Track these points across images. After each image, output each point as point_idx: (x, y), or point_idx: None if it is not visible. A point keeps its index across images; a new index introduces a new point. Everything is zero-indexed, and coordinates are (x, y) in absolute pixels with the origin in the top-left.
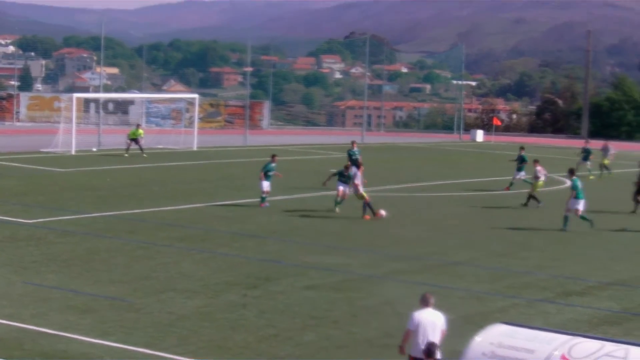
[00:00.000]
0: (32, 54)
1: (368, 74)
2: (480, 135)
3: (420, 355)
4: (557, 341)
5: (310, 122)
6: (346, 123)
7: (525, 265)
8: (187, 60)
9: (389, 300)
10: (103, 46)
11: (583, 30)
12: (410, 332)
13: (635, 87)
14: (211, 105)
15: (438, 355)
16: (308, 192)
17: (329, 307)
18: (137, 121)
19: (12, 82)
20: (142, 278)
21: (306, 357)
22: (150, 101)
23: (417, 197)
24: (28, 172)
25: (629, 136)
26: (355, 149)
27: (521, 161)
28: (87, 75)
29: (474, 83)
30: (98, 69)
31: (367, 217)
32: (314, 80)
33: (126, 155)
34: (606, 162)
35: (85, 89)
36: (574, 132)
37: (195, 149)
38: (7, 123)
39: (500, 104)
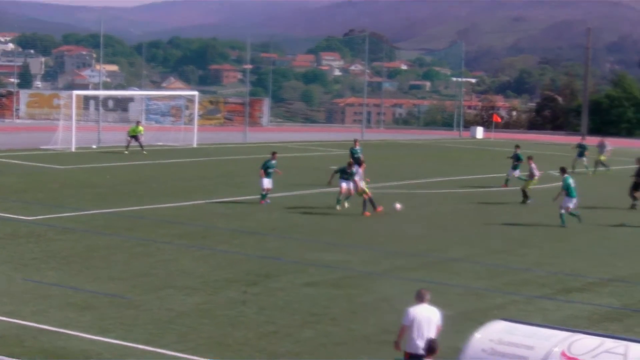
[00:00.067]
0: (32, 51)
1: (367, 71)
2: (480, 132)
3: (415, 350)
4: (556, 338)
5: (309, 119)
6: (345, 120)
7: (524, 262)
8: (186, 58)
9: (388, 297)
10: (102, 44)
11: (583, 27)
12: (405, 328)
13: (635, 85)
14: (211, 102)
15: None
16: (308, 189)
17: (329, 303)
18: (136, 118)
19: (12, 80)
20: (142, 275)
21: (305, 354)
22: (150, 98)
23: (417, 194)
24: (28, 169)
25: (629, 133)
26: (358, 147)
27: (517, 159)
28: (86, 72)
29: (473, 80)
30: (97, 67)
31: (367, 213)
32: (314, 77)
33: (126, 152)
34: (602, 158)
35: (85, 87)
36: (573, 129)
37: (194, 146)
38: (6, 120)
39: (500, 101)
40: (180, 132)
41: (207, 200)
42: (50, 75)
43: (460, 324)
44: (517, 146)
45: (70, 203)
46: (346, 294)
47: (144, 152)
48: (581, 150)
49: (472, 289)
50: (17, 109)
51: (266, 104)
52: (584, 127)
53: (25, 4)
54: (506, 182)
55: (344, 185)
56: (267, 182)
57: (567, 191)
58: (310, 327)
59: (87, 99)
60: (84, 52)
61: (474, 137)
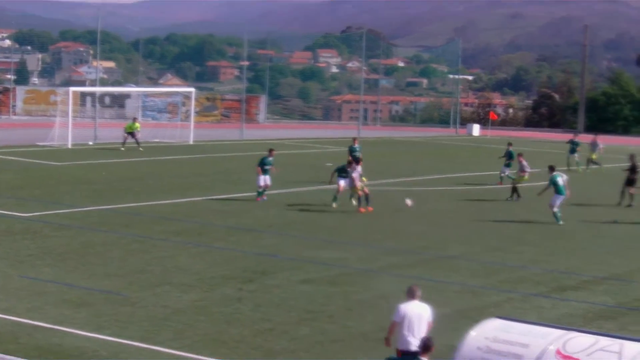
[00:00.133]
0: (29, 47)
1: (364, 68)
2: (476, 129)
3: (406, 347)
4: (551, 336)
5: (306, 116)
6: (342, 117)
7: (520, 260)
8: (183, 54)
9: (385, 295)
10: (99, 40)
11: (580, 25)
12: (395, 324)
13: (632, 82)
14: (207, 99)
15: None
16: (304, 186)
17: (325, 301)
18: (133, 115)
19: (9, 76)
20: (138, 272)
21: (301, 351)
22: (147, 95)
23: (413, 191)
24: (24, 165)
25: (625, 130)
26: (357, 145)
27: (509, 157)
28: (83, 69)
29: (470, 77)
30: (94, 63)
31: (362, 209)
32: (311, 74)
33: (122, 148)
34: (594, 156)
35: (82, 83)
36: (570, 127)
37: (191, 142)
38: (3, 117)
39: (497, 98)
40: (177, 128)
41: (204, 197)
42: (47, 72)
43: (456, 322)
44: (510, 143)
45: (66, 199)
46: (343, 291)
47: (141, 149)
48: (573, 146)
49: (469, 286)
50: (14, 106)
51: (263, 101)
52: (580, 125)
53: (22, 1)
54: (501, 180)
55: (342, 183)
56: (263, 179)
57: (555, 188)
58: (306, 325)
59: (83, 95)
60: (81, 49)
61: (470, 134)
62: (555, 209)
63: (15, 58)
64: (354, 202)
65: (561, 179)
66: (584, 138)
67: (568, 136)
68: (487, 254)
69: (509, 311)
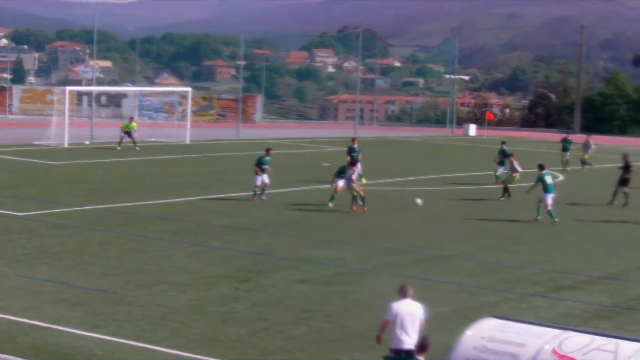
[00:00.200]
0: (25, 47)
1: (361, 67)
2: (472, 129)
3: (399, 346)
4: (548, 335)
5: (302, 116)
6: (339, 117)
7: (516, 260)
8: (180, 54)
9: (381, 294)
10: (96, 39)
11: (576, 25)
12: (388, 323)
13: (628, 82)
14: (204, 98)
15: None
16: (301, 185)
17: (321, 300)
18: (130, 114)
19: (5, 75)
20: (134, 271)
21: (298, 351)
22: (143, 94)
23: (410, 191)
24: (20, 164)
25: (621, 131)
26: (356, 145)
27: (503, 155)
28: (80, 68)
29: (466, 77)
30: (91, 62)
31: (355, 207)
32: (307, 74)
33: (119, 148)
34: (586, 157)
35: (78, 82)
36: (566, 127)
37: (187, 142)
38: None
39: (493, 98)
40: (173, 128)
41: (200, 197)
42: (43, 71)
43: (452, 322)
44: (503, 142)
45: (62, 199)
46: (339, 291)
47: (137, 148)
48: (565, 144)
49: (465, 286)
50: (10, 105)
51: (259, 101)
52: (576, 125)
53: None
54: (497, 178)
55: (340, 183)
56: (261, 179)
57: (543, 186)
58: (302, 324)
59: (80, 94)
60: (78, 48)
61: (466, 134)
62: (549, 207)
63: (12, 57)
64: (360, 202)
65: (549, 178)
66: (579, 138)
67: (563, 136)
68: (484, 254)
69: (505, 311)
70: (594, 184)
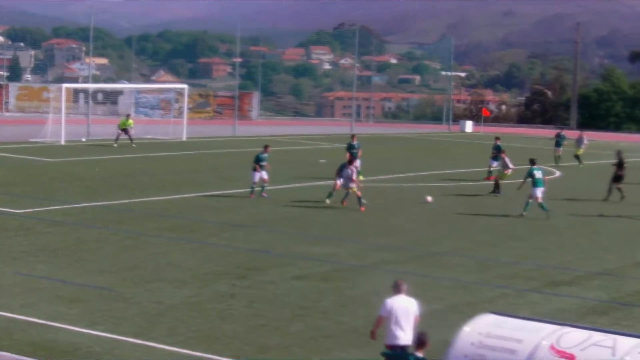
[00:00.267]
0: (22, 44)
1: (357, 65)
2: (469, 126)
3: (394, 342)
4: (545, 331)
5: (299, 113)
6: (335, 114)
7: (513, 255)
8: (176, 51)
9: (378, 290)
10: (92, 37)
11: (572, 22)
12: (382, 319)
13: (624, 79)
14: (200, 95)
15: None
16: (297, 182)
17: (318, 297)
18: (126, 111)
19: (1, 73)
20: (131, 268)
21: (295, 347)
22: (139, 91)
23: (406, 188)
24: (17, 162)
25: (617, 127)
26: (355, 142)
27: (497, 150)
28: (76, 65)
29: (463, 74)
30: (87, 60)
31: (345, 203)
32: (303, 71)
33: (115, 145)
34: (579, 152)
35: (74, 80)
36: (562, 123)
37: (184, 139)
38: None
39: (489, 95)
40: (170, 125)
41: (197, 194)
42: (39, 69)
43: (449, 318)
44: (497, 138)
45: (59, 196)
46: (335, 287)
47: (134, 145)
48: (559, 140)
49: (462, 282)
50: (7, 102)
51: (256, 98)
52: (572, 121)
53: None
54: (489, 174)
55: (339, 181)
56: (259, 176)
57: (532, 181)
58: (299, 321)
59: (76, 92)
60: (74, 45)
61: (463, 131)
62: (540, 200)
63: (8, 55)
64: (364, 201)
65: (539, 172)
66: (574, 135)
67: (557, 132)
68: (480, 250)
69: (502, 307)
70: (589, 180)
